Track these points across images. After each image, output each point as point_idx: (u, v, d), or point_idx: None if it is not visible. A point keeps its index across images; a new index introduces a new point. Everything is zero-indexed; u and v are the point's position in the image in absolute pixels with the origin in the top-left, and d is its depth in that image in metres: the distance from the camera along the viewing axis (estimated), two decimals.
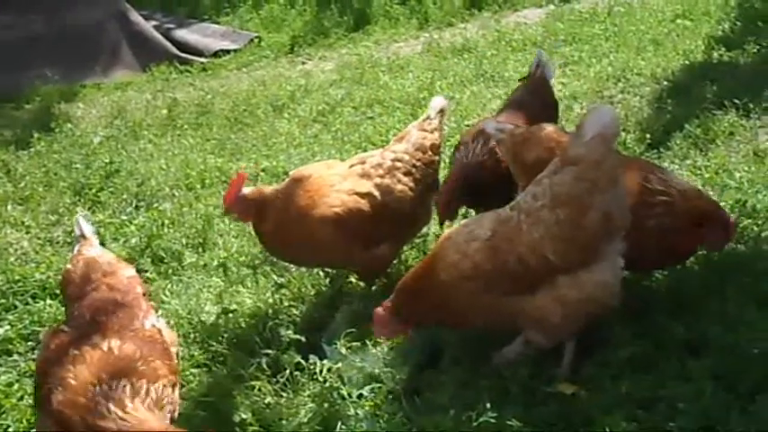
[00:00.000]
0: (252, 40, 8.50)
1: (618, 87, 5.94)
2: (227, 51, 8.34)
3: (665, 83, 5.82)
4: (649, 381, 2.89)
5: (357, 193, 3.49)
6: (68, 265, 3.10)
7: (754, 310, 3.15)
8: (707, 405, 2.75)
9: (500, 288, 2.91)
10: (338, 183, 3.52)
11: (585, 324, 2.99)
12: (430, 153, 3.70)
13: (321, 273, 3.87)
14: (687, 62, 6.14)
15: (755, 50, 6.15)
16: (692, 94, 5.48)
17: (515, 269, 2.87)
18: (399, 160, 3.61)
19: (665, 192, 3.14)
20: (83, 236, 3.20)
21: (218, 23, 9.11)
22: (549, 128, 3.63)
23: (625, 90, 5.88)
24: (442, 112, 3.87)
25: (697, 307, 3.23)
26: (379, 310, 3.10)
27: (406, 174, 3.60)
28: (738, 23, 6.83)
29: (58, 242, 4.58)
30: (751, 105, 5.07)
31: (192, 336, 3.54)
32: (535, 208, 2.89)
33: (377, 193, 3.51)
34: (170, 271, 4.17)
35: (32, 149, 5.93)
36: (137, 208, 4.88)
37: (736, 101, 5.13)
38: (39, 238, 4.64)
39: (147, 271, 4.14)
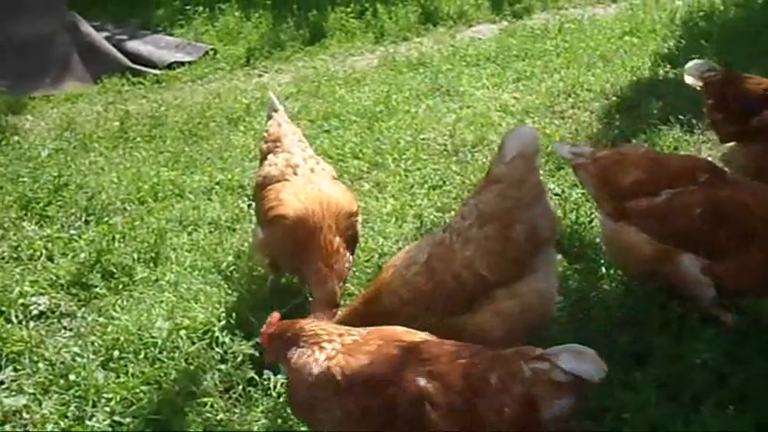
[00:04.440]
0: (207, 52, 8.41)
1: (569, 102, 6.08)
2: (182, 63, 8.22)
3: (614, 98, 5.98)
4: (597, 391, 2.95)
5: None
6: None
7: (697, 320, 3.26)
8: (652, 414, 2.83)
9: (441, 309, 2.97)
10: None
11: (526, 337, 3.04)
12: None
13: (276, 285, 3.86)
14: (635, 78, 6.31)
15: None
16: (639, 110, 5.64)
17: (453, 288, 2.96)
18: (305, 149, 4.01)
19: None
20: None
21: (172, 35, 8.99)
22: (642, 149, 3.67)
23: (575, 105, 6.02)
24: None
25: (643, 318, 3.32)
26: None
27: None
28: (683, 41, 7.07)
29: (3, 258, 4.46)
30: (695, 121, 5.24)
31: (142, 352, 3.48)
32: (464, 227, 3.01)
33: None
34: (120, 286, 4.09)
35: None
36: (86, 222, 4.78)
37: (681, 117, 5.31)
38: None
39: (96, 286, 4.07)
